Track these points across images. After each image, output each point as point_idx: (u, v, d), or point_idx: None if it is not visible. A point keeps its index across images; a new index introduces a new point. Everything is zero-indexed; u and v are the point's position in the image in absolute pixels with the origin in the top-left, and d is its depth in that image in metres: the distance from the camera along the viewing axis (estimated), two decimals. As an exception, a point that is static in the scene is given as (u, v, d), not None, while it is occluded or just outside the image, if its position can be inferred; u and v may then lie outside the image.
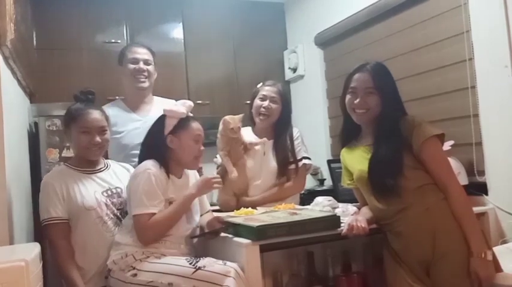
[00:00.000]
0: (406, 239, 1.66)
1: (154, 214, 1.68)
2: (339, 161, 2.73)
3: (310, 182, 3.26)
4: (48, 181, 1.80)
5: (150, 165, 1.74)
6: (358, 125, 1.83)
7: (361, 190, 1.82)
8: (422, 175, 1.67)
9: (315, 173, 3.33)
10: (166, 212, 1.71)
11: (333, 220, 1.74)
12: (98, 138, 1.81)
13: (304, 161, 2.28)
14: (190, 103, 1.89)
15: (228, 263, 1.58)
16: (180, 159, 1.81)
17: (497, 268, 1.62)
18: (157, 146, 1.79)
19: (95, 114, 1.84)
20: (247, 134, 2.31)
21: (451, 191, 1.64)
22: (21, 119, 2.49)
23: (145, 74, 2.36)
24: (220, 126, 2.22)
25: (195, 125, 1.84)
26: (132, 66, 2.36)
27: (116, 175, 1.92)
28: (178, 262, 1.61)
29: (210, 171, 2.44)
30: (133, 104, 2.39)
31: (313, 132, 3.52)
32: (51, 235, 1.75)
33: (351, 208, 1.94)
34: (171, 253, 1.69)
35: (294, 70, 3.82)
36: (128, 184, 1.79)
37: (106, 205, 1.81)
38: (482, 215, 2.18)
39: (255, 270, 1.60)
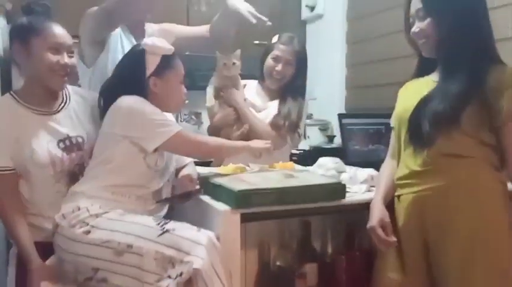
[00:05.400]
0: (412, 209, 1.35)
1: None
2: (351, 116, 2.37)
3: (317, 138, 2.92)
4: None
5: (132, 96, 1.43)
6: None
7: (398, 133, 1.46)
8: (474, 145, 1.29)
9: (324, 128, 2.97)
10: (222, 140, 1.57)
11: (337, 189, 1.40)
12: (67, 59, 1.45)
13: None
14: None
15: (203, 230, 1.28)
16: (163, 103, 1.48)
17: None
18: (136, 88, 1.45)
19: (63, 29, 1.48)
20: (250, 90, 2.04)
21: None
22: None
23: None
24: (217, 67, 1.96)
25: (180, 63, 1.54)
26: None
27: (77, 114, 1.55)
28: (143, 221, 1.30)
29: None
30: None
31: (326, 82, 3.14)
32: None
33: (361, 174, 1.59)
34: (135, 211, 1.39)
35: (312, 8, 3.37)
36: (112, 121, 1.42)
37: (61, 160, 1.45)
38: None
39: (233, 242, 1.29)
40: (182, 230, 1.26)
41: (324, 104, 3.14)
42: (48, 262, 1.38)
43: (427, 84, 1.38)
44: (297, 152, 2.73)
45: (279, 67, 1.96)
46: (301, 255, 1.54)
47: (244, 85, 1.97)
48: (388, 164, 1.51)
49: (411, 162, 1.36)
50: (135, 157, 1.40)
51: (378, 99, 2.57)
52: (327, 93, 3.13)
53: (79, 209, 1.33)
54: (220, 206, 1.30)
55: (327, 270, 1.56)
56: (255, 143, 1.63)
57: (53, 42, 1.43)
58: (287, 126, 1.92)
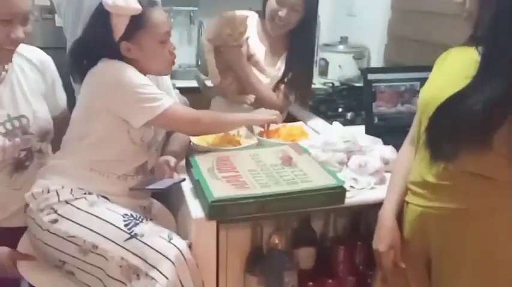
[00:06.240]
0: (418, 225, 1.13)
1: None
2: (381, 71, 1.93)
3: (350, 70, 2.57)
4: None
5: (116, 61, 1.24)
6: None
7: (420, 118, 1.17)
8: (507, 166, 1.00)
9: (359, 57, 2.58)
10: (220, 115, 1.42)
11: (333, 195, 1.18)
12: (21, 33, 1.15)
13: None
14: None
15: (175, 239, 1.14)
16: (146, 69, 1.28)
17: None
18: (107, 53, 1.24)
19: None
20: (251, 35, 1.67)
21: None
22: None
23: None
24: (217, 22, 1.59)
25: (159, 18, 1.26)
26: None
27: (21, 86, 1.27)
28: (112, 219, 1.18)
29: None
30: None
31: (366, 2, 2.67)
32: None
33: (372, 163, 1.34)
34: (113, 192, 1.27)
35: None
36: (93, 92, 1.24)
37: (3, 148, 1.21)
38: None
39: (207, 250, 1.16)
40: (151, 237, 1.14)
41: (363, 23, 2.71)
42: (20, 242, 1.30)
43: (469, 64, 1.03)
44: (324, 86, 2.44)
45: (282, 12, 1.60)
46: (296, 238, 1.40)
47: (247, 38, 1.60)
48: (406, 154, 1.24)
49: (424, 169, 1.10)
50: (118, 131, 1.25)
51: (429, 30, 2.13)
52: (369, 11, 2.67)
53: (49, 191, 1.22)
54: (195, 212, 1.14)
55: (325, 256, 1.44)
56: (259, 116, 1.46)
57: (4, 12, 1.11)
58: (299, 97, 1.67)
